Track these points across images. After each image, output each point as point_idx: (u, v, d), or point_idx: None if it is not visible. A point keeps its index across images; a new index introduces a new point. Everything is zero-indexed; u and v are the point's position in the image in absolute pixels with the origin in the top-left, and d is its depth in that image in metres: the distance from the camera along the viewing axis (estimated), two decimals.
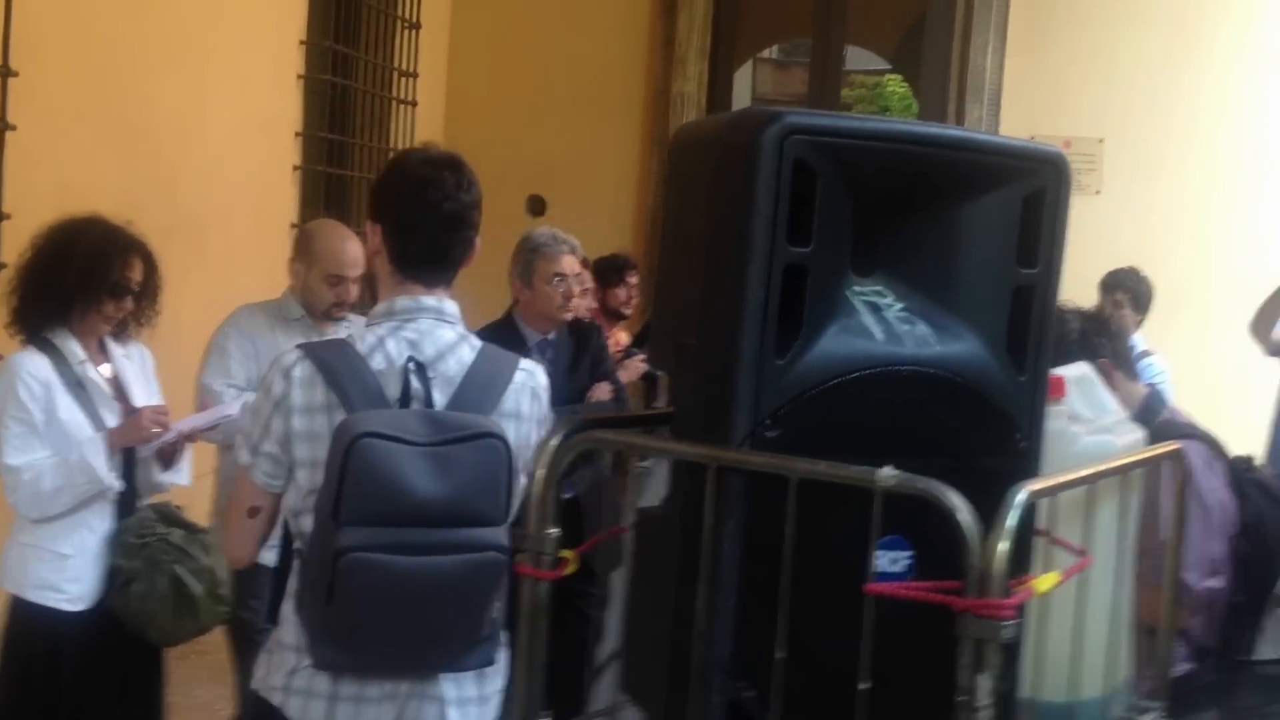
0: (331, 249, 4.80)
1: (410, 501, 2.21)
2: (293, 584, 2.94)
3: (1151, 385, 4.08)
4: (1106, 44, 9.31)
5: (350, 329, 4.84)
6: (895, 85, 22.98)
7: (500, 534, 2.58)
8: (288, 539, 2.93)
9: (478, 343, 3.03)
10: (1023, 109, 9.27)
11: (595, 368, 5.77)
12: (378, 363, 2.93)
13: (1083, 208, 8.76)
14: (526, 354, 3.88)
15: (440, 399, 2.93)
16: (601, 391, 5.67)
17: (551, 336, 5.45)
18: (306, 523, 2.82)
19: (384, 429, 2.71)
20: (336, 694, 2.91)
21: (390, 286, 3.07)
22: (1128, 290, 7.48)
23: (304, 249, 4.81)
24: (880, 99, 25.27)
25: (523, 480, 2.67)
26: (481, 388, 3.02)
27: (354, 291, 4.79)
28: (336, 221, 5.08)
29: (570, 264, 5.42)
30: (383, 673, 2.87)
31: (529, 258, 5.44)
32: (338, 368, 2.89)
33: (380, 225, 3.07)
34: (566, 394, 5.08)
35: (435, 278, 3.06)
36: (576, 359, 5.60)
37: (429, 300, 3.02)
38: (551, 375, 3.23)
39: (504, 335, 4.92)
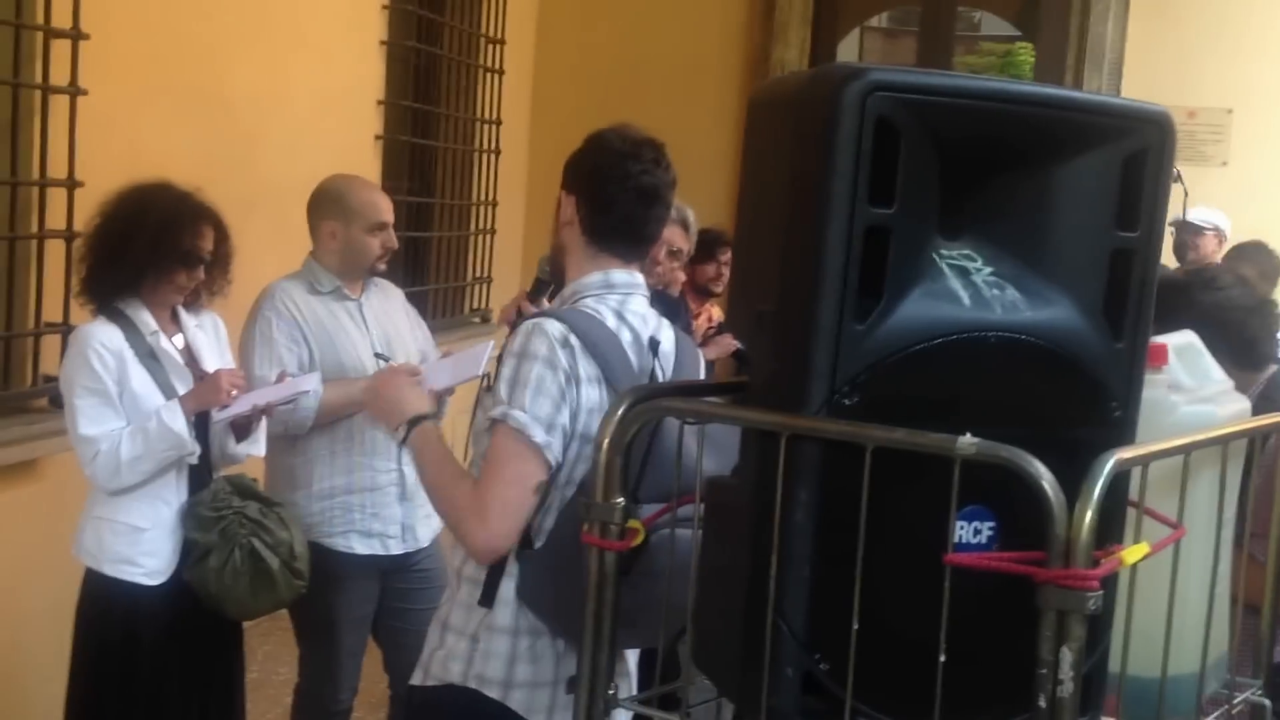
0: (369, 199, 4.79)
1: (690, 476, 2.13)
2: (516, 566, 2.92)
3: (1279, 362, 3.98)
4: (1235, 11, 9.08)
5: (379, 291, 4.83)
6: (1027, 54, 22.66)
7: None
8: None
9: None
10: (1145, 77, 9.05)
11: None
12: (625, 337, 2.91)
13: (1208, 179, 8.67)
14: None
15: (663, 376, 2.94)
16: None
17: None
18: (563, 496, 2.87)
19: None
20: (559, 678, 2.92)
21: (583, 260, 3.08)
22: (1255, 264, 7.29)
23: (337, 207, 4.73)
24: (1011, 67, 24.88)
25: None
26: (690, 365, 3.05)
27: (394, 239, 4.79)
28: (353, 174, 5.10)
29: (671, 234, 5.44)
30: (639, 645, 2.95)
31: None
32: (597, 340, 2.90)
33: (575, 197, 3.09)
34: None
35: (630, 253, 3.08)
36: None
37: (639, 276, 3.08)
38: None
39: None
